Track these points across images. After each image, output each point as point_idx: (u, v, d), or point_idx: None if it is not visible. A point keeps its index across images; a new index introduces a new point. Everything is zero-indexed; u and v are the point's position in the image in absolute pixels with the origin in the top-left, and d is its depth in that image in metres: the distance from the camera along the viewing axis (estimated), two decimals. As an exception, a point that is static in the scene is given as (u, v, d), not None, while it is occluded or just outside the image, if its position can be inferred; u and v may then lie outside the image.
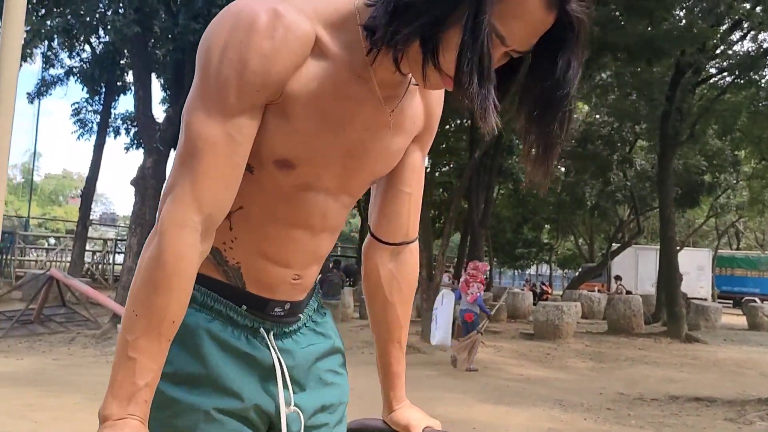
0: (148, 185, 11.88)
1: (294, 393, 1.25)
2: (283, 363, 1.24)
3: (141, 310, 1.04)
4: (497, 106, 0.98)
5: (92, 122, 20.86)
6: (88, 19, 11.58)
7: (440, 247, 12.32)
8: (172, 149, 12.56)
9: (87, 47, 18.89)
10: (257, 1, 1.06)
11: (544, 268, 48.58)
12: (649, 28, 12.21)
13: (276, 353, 1.23)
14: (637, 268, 28.64)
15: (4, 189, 1.79)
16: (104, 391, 1.04)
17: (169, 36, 11.44)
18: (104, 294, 12.79)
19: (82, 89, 19.84)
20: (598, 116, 22.15)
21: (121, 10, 11.28)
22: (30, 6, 11.27)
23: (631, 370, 10.54)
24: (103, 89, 20.04)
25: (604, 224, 30.90)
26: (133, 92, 13.06)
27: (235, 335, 1.21)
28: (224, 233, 1.19)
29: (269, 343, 1.24)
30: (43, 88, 19.90)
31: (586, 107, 21.60)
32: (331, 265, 18.43)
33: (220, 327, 1.20)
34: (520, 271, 47.99)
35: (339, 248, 33.33)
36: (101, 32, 13.52)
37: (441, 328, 10.05)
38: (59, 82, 19.92)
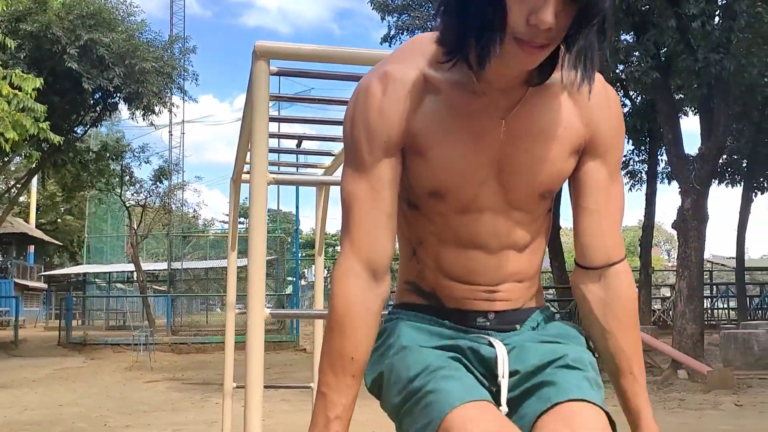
0: (690, 227, 11.55)
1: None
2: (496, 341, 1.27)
3: (325, 350, 1.22)
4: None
5: (641, 172, 21.37)
6: (609, 76, 12.14)
7: None
8: (709, 187, 12.04)
9: (627, 101, 19.65)
10: (372, 72, 1.26)
11: None
12: None
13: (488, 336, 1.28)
14: None
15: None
16: None
17: (690, 73, 11.18)
18: (663, 340, 12.78)
19: (627, 142, 20.61)
20: None
21: (636, 61, 11.54)
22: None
23: None
24: (647, 138, 20.41)
25: None
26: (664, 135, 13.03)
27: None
28: (414, 268, 1.35)
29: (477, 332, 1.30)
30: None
31: None
32: None
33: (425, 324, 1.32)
34: None
35: None
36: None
37: None
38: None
